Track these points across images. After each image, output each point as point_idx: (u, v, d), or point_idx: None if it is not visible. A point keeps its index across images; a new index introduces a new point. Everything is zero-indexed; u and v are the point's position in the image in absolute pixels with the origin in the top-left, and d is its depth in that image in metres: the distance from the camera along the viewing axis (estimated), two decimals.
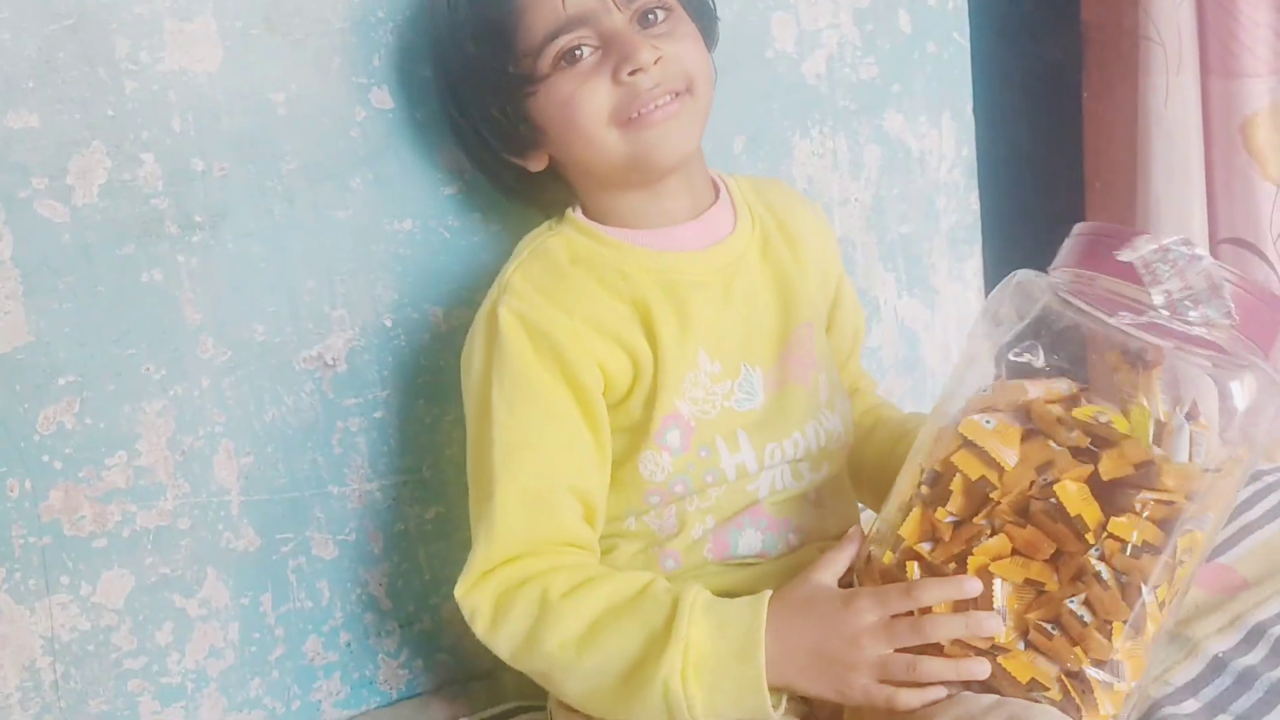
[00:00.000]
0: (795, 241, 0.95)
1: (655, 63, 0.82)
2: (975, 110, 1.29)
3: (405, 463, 1.00)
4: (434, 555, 1.02)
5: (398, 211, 0.96)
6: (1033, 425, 0.75)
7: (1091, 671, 0.72)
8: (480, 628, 0.84)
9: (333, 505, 0.97)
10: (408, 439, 1.00)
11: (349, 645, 1.00)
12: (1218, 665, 0.93)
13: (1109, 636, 0.70)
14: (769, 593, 0.80)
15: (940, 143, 1.25)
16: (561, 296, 0.86)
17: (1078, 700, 0.71)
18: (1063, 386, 0.77)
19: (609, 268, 0.87)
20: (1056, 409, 0.75)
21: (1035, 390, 0.76)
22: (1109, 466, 0.72)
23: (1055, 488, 0.72)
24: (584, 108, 0.83)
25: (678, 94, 0.84)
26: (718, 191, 0.94)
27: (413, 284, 0.97)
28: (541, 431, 0.84)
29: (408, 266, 0.96)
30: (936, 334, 1.29)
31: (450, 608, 1.02)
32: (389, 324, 0.97)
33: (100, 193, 0.85)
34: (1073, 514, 0.70)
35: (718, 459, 0.88)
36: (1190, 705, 0.89)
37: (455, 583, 1.02)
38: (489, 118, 0.88)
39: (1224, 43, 1.26)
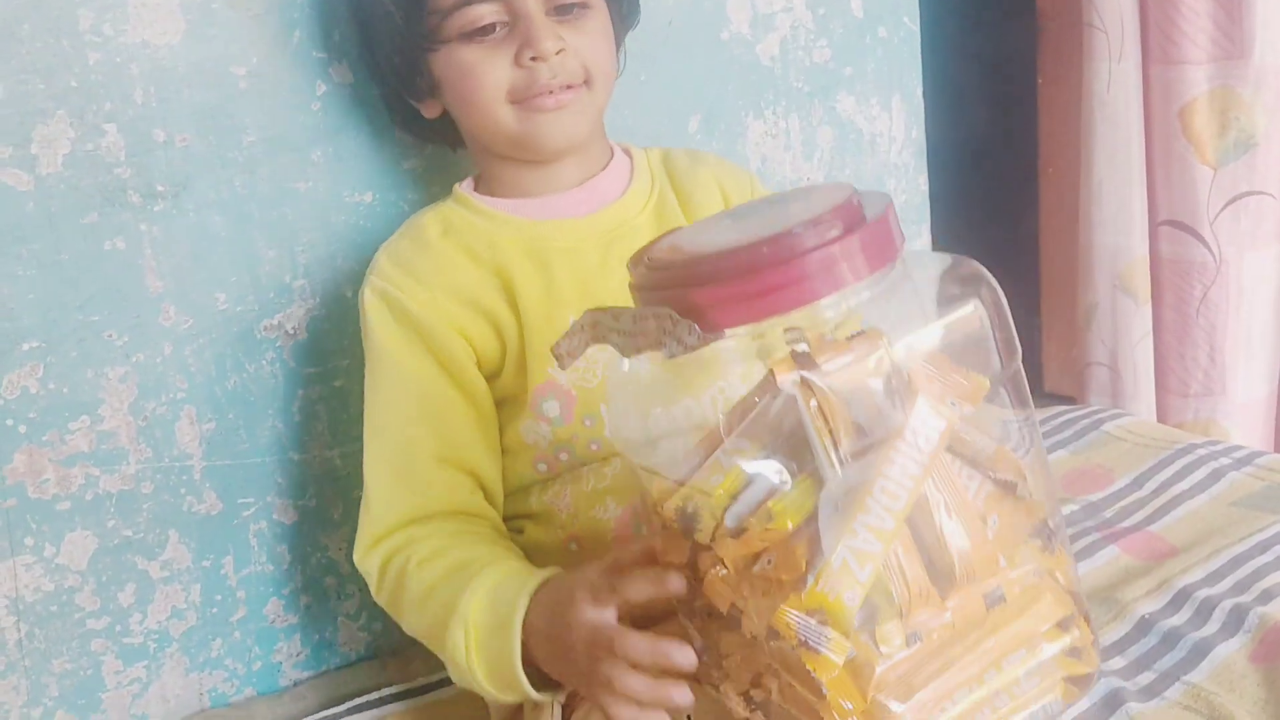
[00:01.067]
0: (688, 203, 0.95)
1: (557, 53, 0.84)
2: (928, 95, 1.32)
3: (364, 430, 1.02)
4: None
5: (358, 184, 0.98)
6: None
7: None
8: (372, 592, 0.87)
9: (294, 471, 0.99)
10: None
11: (309, 608, 1.02)
12: (1144, 626, 0.97)
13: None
14: (550, 572, 0.78)
15: (890, 125, 1.29)
16: (422, 270, 0.88)
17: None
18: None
19: (479, 238, 0.89)
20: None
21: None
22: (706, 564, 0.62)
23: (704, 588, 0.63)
24: (483, 82, 0.85)
25: (572, 86, 0.86)
26: (610, 162, 0.94)
27: (372, 255, 0.99)
28: (403, 408, 0.87)
29: (368, 238, 0.98)
30: None
31: None
32: (349, 294, 0.99)
33: (64, 162, 0.86)
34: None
35: (603, 428, 0.87)
36: (1117, 662, 0.93)
37: None
38: (391, 58, 0.90)
39: (1164, 30, 1.30)
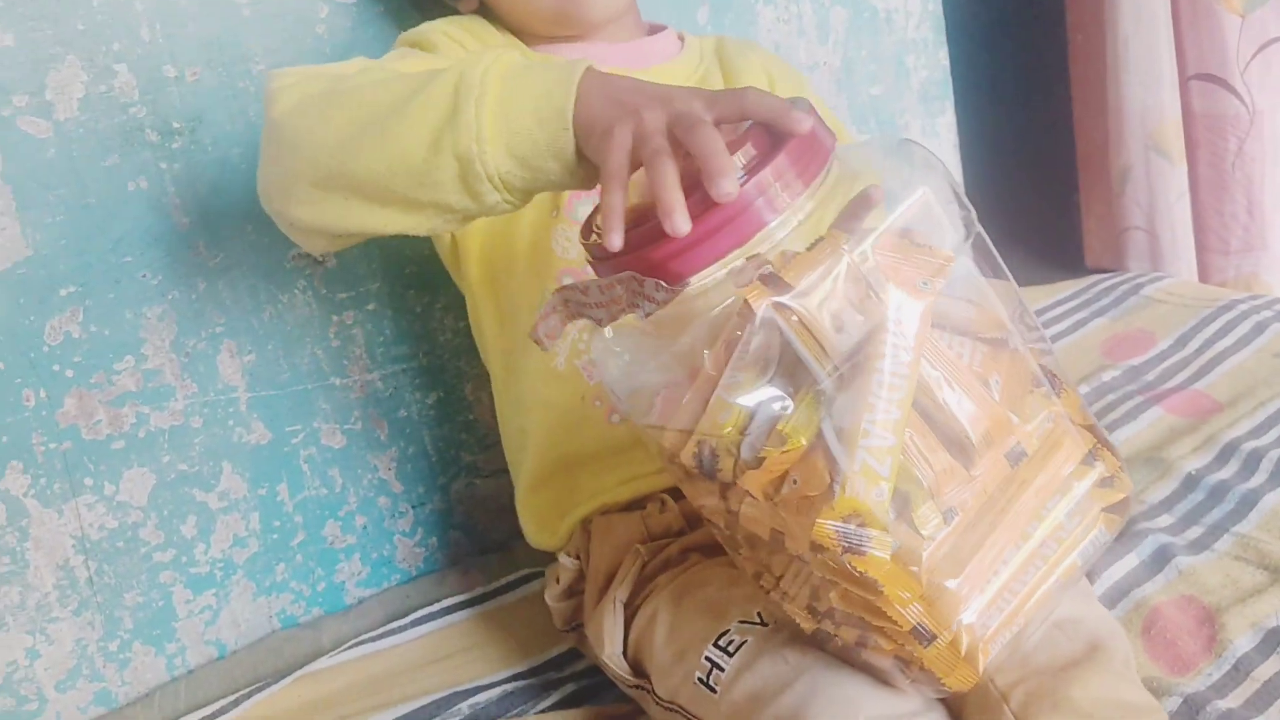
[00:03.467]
0: (736, 82, 0.94)
1: None
2: None
3: (402, 351, 1.03)
4: (438, 439, 1.06)
5: None
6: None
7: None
8: (272, 103, 0.71)
9: (336, 397, 1.01)
10: (402, 328, 1.03)
11: (365, 528, 1.05)
12: (1191, 482, 0.97)
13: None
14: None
15: (906, 0, 1.26)
16: (485, 37, 0.88)
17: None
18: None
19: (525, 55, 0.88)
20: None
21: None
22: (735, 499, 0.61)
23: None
24: None
25: None
26: (659, 32, 0.94)
27: None
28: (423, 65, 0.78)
29: None
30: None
31: (459, 487, 1.07)
32: None
33: (79, 106, 0.87)
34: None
35: None
36: (1164, 520, 0.93)
37: (462, 463, 1.07)
38: None
39: None
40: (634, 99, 0.60)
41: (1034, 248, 1.87)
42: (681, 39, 0.96)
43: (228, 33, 0.91)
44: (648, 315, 0.57)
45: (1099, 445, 0.64)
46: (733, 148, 0.56)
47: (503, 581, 1.04)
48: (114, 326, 0.91)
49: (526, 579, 1.04)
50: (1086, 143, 1.60)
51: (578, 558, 0.89)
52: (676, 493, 0.86)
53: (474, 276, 0.89)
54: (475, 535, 1.10)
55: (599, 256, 0.60)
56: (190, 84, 0.90)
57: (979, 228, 0.60)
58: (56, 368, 0.89)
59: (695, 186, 0.55)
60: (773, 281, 0.54)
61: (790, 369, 0.56)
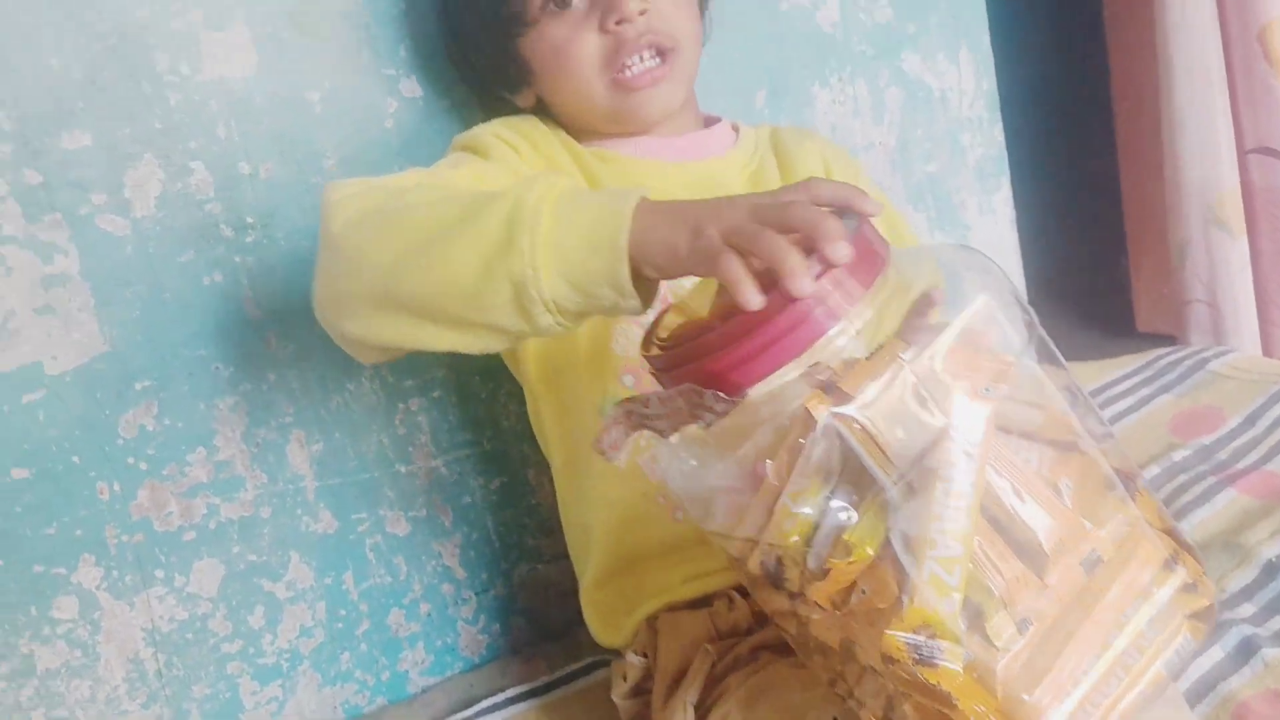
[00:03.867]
0: (790, 172, 0.95)
1: (640, 14, 0.85)
2: (992, 42, 1.29)
3: (466, 437, 1.04)
4: (502, 523, 1.06)
5: None
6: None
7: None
8: (328, 221, 0.73)
9: (401, 483, 1.01)
10: (467, 414, 1.03)
11: (429, 615, 1.04)
12: (1271, 569, 0.94)
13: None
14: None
15: (960, 79, 1.26)
16: (536, 139, 0.89)
17: None
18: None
19: (578, 154, 0.90)
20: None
21: None
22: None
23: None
24: (574, 55, 0.86)
25: (663, 52, 0.86)
26: (715, 124, 0.95)
27: None
28: (474, 172, 0.83)
29: None
30: None
31: (522, 573, 1.07)
32: None
33: (156, 203, 0.88)
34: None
35: None
36: (1247, 609, 0.91)
37: (525, 548, 1.07)
38: (481, 51, 0.91)
39: None
40: (692, 216, 0.60)
41: (1085, 312, 1.87)
42: (736, 130, 0.97)
43: (299, 129, 0.93)
44: (709, 425, 0.57)
45: (1179, 549, 0.63)
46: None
47: (567, 670, 1.02)
48: (187, 419, 0.91)
49: (590, 668, 1.02)
50: (1135, 207, 1.59)
51: (645, 655, 0.87)
52: (744, 589, 0.85)
53: (533, 375, 0.90)
54: (538, 621, 1.09)
55: (660, 368, 0.61)
56: (264, 180, 0.92)
57: (1040, 330, 0.60)
58: (130, 460, 0.90)
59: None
60: (833, 390, 0.54)
61: (855, 478, 0.56)
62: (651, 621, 0.87)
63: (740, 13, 1.10)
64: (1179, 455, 1.14)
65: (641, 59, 0.85)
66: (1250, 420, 1.17)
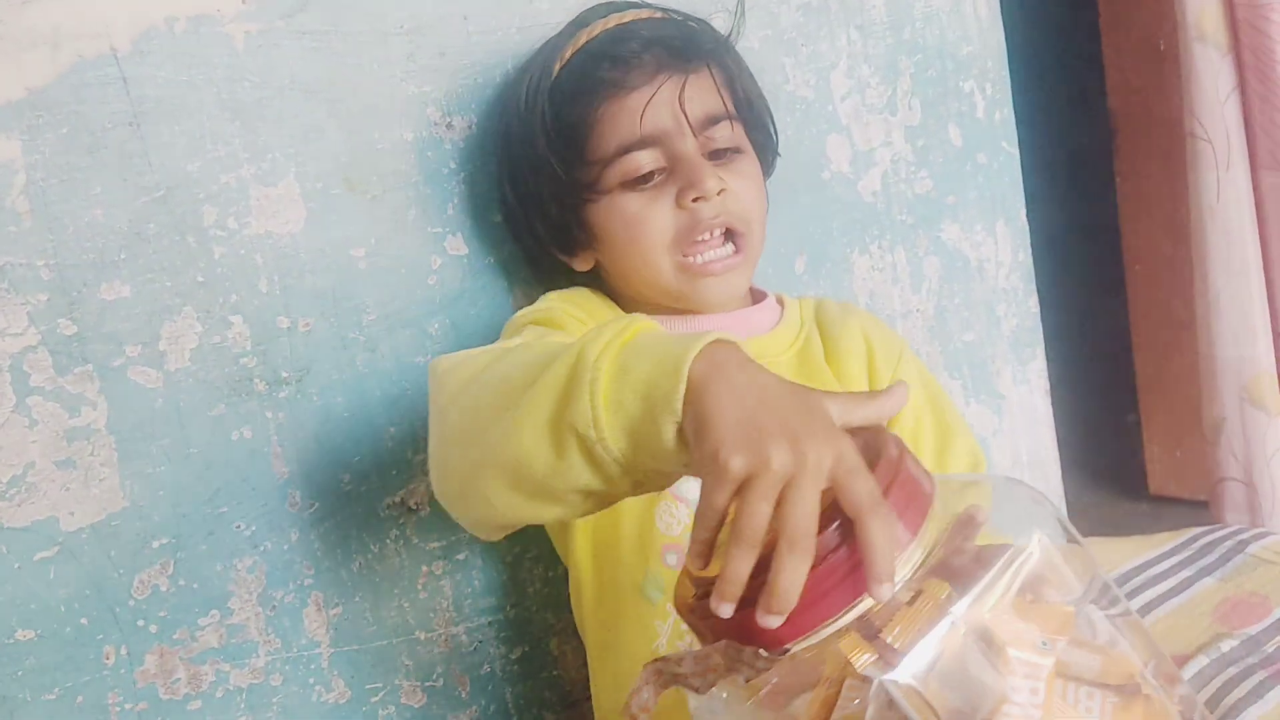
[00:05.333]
0: (835, 349, 0.94)
1: (719, 194, 0.84)
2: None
3: (489, 603, 0.99)
4: (520, 696, 1.01)
5: None
6: None
7: None
8: (435, 397, 0.71)
9: (419, 652, 0.96)
10: (490, 579, 0.99)
11: None
12: None
13: None
14: None
15: (997, 250, 1.26)
16: (595, 310, 0.89)
17: None
18: None
19: None
20: None
21: None
22: None
23: None
24: (647, 229, 0.85)
25: (735, 236, 0.86)
26: (760, 301, 0.94)
27: None
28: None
29: None
30: (1005, 439, 1.28)
31: None
32: None
33: (191, 356, 0.86)
34: None
35: None
36: None
37: None
38: (545, 214, 0.90)
39: (1273, 137, 1.27)
40: (763, 423, 0.53)
41: (1097, 474, 1.85)
42: (781, 304, 0.96)
43: (342, 284, 0.91)
44: (747, 681, 0.54)
45: None
46: (834, 528, 0.53)
47: None
48: (203, 580, 0.87)
49: None
50: (1147, 368, 1.58)
51: None
52: None
53: (579, 552, 0.87)
54: None
55: (695, 615, 0.57)
56: (302, 334, 0.90)
57: (1098, 569, 0.57)
58: (140, 623, 0.85)
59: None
60: (878, 644, 0.51)
61: None
62: None
63: (781, 181, 1.10)
64: (1227, 646, 1.10)
65: (711, 236, 0.85)
66: None
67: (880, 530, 0.51)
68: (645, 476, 0.61)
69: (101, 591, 0.84)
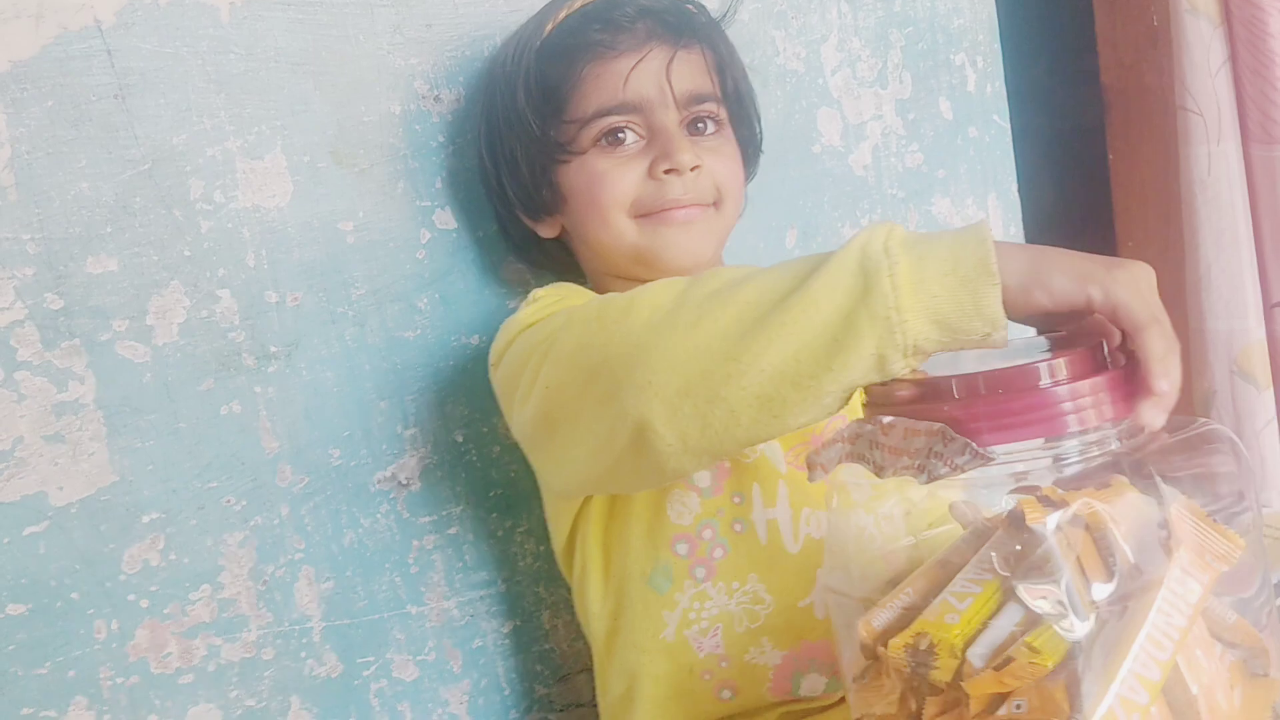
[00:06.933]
0: None
1: (692, 169, 0.84)
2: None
3: (481, 577, 0.99)
4: (512, 670, 1.01)
5: (464, 328, 0.97)
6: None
7: None
8: (606, 311, 0.67)
9: (412, 625, 0.96)
10: (483, 553, 0.99)
11: None
12: None
13: None
14: None
15: (988, 223, 1.26)
16: (575, 302, 0.85)
17: None
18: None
19: None
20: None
21: None
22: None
23: None
24: (610, 189, 0.84)
25: (704, 205, 0.86)
26: None
27: (481, 398, 0.97)
28: None
29: (476, 381, 0.97)
30: None
31: None
32: (460, 439, 0.97)
33: (179, 331, 0.86)
34: None
35: (750, 509, 0.83)
36: None
37: (535, 696, 1.02)
38: (517, 172, 0.89)
39: (1263, 110, 1.27)
40: (1059, 260, 0.58)
41: None
42: None
43: (331, 258, 0.91)
44: (929, 480, 0.54)
45: None
46: (1069, 356, 0.56)
47: None
48: (194, 554, 0.87)
49: None
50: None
51: None
52: None
53: (591, 540, 0.87)
54: None
55: (898, 401, 0.58)
56: (290, 308, 0.89)
57: (1261, 530, 0.58)
58: (131, 598, 0.85)
59: (1029, 368, 0.55)
60: (1054, 500, 0.53)
61: (1050, 587, 0.53)
62: None
63: (773, 154, 1.10)
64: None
65: (682, 208, 0.84)
66: None
67: (1160, 340, 0.55)
68: (913, 363, 0.59)
69: (92, 566, 0.84)
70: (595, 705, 0.93)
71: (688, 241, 0.85)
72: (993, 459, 0.54)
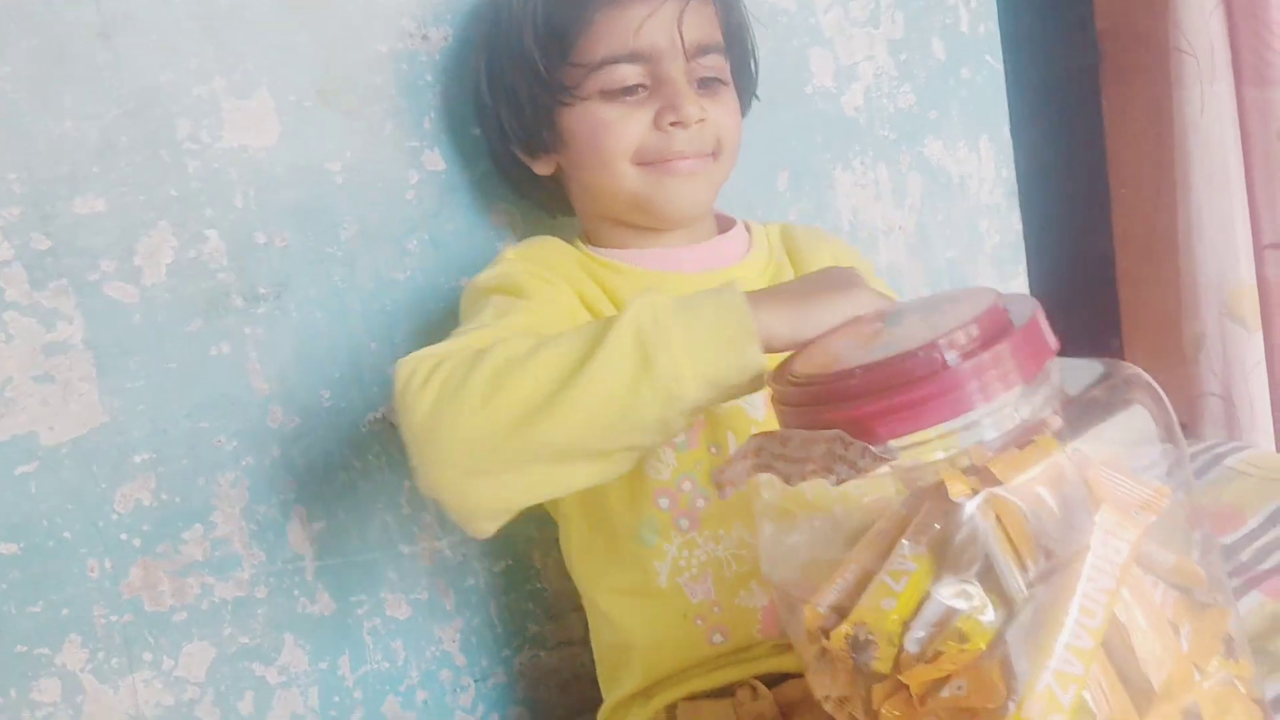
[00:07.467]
0: (802, 272, 0.93)
1: (698, 122, 0.83)
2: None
3: None
4: (504, 608, 1.02)
5: (454, 269, 0.97)
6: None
7: None
8: (407, 385, 0.69)
9: (404, 565, 0.97)
10: None
11: (426, 703, 1.00)
12: None
13: None
14: None
15: (980, 166, 1.25)
16: (552, 263, 0.86)
17: None
18: None
19: (597, 270, 0.88)
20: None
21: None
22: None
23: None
24: (616, 138, 0.84)
25: (704, 156, 0.86)
26: (727, 229, 0.93)
27: None
28: (517, 317, 0.78)
29: None
30: None
31: (524, 660, 1.03)
32: None
33: (167, 271, 0.86)
34: None
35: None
36: None
37: (527, 635, 1.03)
38: (517, 110, 0.88)
39: (1257, 52, 1.26)
40: (801, 290, 0.67)
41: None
42: (748, 230, 0.95)
43: (319, 199, 0.90)
44: (839, 481, 0.54)
45: None
46: (976, 325, 0.55)
47: None
48: (185, 494, 0.88)
49: None
50: (1130, 294, 1.59)
51: None
52: (769, 679, 0.82)
53: (568, 504, 0.87)
54: (538, 711, 1.04)
55: (790, 403, 0.58)
56: (279, 249, 0.89)
57: (1188, 470, 0.57)
58: (124, 537, 0.86)
59: (915, 355, 0.54)
60: (982, 474, 0.52)
61: (971, 564, 0.53)
62: (671, 709, 0.84)
63: (765, 95, 1.09)
64: (1198, 555, 1.11)
65: (685, 159, 0.84)
66: (1272, 520, 1.14)
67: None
68: (690, 420, 0.67)
69: (83, 505, 0.85)
70: (588, 643, 0.94)
71: (689, 192, 0.86)
72: (894, 458, 0.53)
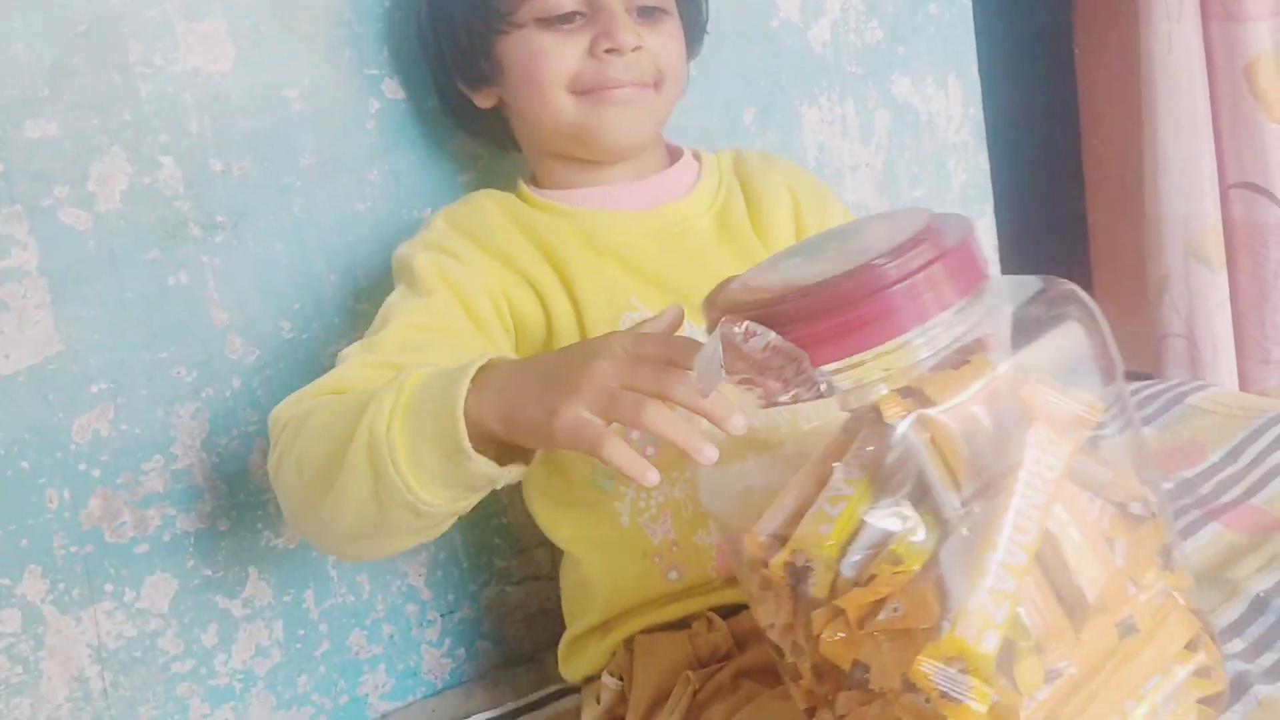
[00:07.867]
0: (758, 206, 0.92)
1: (634, 50, 0.82)
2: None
3: None
4: (471, 544, 1.02)
5: (415, 201, 0.96)
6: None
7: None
8: (272, 451, 0.74)
9: None
10: None
11: (392, 638, 1.00)
12: (1260, 604, 0.93)
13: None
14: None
15: (948, 104, 1.25)
16: (476, 230, 0.85)
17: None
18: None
19: (533, 221, 0.86)
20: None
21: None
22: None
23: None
24: (548, 65, 0.83)
25: (643, 85, 0.84)
26: (676, 160, 0.92)
27: None
28: (411, 314, 0.79)
29: None
30: None
31: (490, 594, 1.03)
32: None
33: (122, 198, 0.84)
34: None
35: (671, 405, 0.83)
36: (1236, 645, 0.89)
37: (494, 569, 1.03)
38: (455, 40, 0.87)
39: None
40: (539, 388, 0.61)
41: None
42: (698, 159, 0.94)
43: (276, 127, 0.89)
44: (771, 404, 0.54)
45: (1203, 633, 0.60)
46: (908, 247, 0.53)
47: (533, 698, 0.99)
48: (144, 425, 0.87)
49: (557, 695, 0.99)
50: (1103, 240, 1.59)
51: (620, 678, 0.84)
52: (724, 610, 0.83)
53: None
54: (504, 645, 1.05)
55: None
56: (236, 178, 0.88)
57: (1124, 386, 0.57)
58: (83, 467, 0.86)
59: (848, 278, 0.53)
60: (914, 395, 0.51)
61: (912, 488, 0.53)
62: (628, 643, 0.84)
63: (730, 29, 1.08)
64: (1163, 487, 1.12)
65: (621, 87, 0.83)
66: (1232, 455, 1.16)
67: (614, 452, 0.58)
68: (466, 507, 0.69)
69: (41, 435, 0.84)
70: (554, 578, 0.94)
71: (626, 121, 0.84)
72: (830, 382, 0.52)
